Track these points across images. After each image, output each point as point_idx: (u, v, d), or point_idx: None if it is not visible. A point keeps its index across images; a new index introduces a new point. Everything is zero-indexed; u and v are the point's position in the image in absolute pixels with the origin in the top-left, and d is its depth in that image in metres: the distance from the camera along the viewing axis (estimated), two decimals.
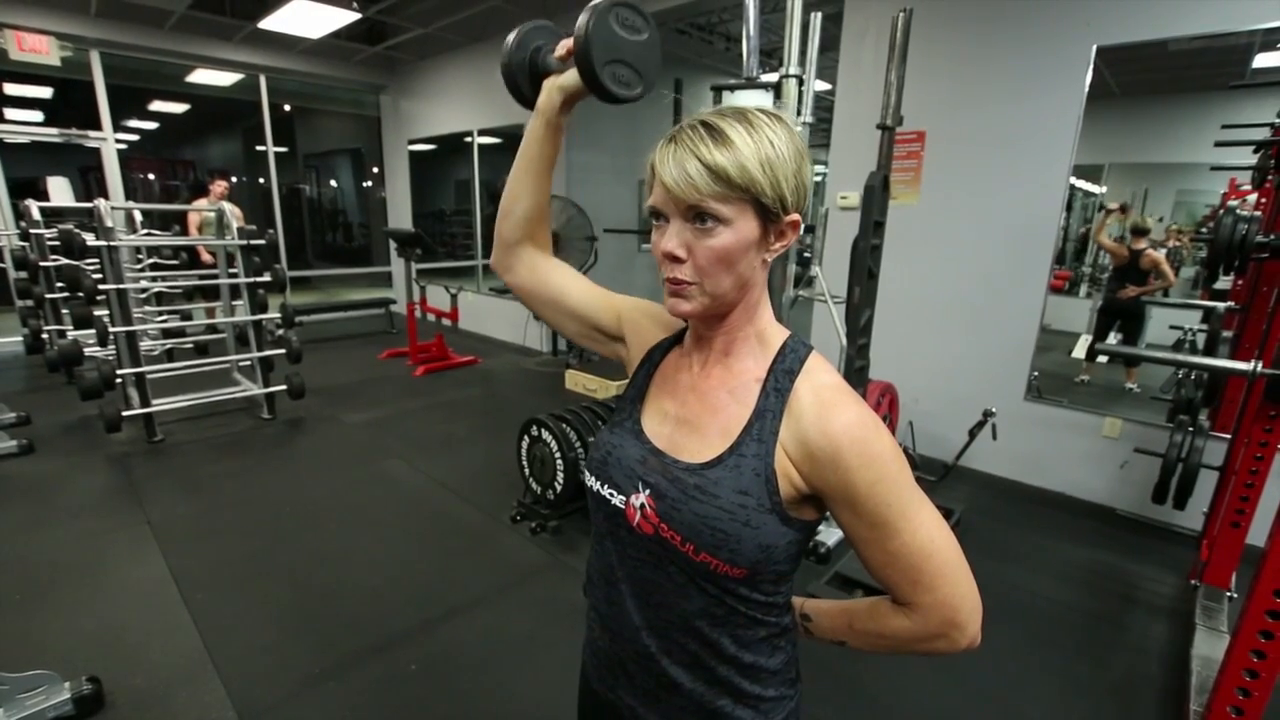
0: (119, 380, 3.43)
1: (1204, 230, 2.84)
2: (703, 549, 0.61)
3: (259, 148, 6.81)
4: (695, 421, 0.67)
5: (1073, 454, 3.16)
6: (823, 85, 4.91)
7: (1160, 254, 3.10)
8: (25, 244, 4.45)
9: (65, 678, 1.68)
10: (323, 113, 9.34)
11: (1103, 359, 3.23)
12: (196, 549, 2.52)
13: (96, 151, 5.80)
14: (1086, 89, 2.87)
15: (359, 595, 2.26)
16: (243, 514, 2.83)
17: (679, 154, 0.58)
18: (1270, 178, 2.38)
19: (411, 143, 7.29)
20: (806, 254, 3.11)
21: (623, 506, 0.67)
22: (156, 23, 5.52)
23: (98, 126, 5.70)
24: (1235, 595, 2.19)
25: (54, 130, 5.63)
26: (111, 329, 3.46)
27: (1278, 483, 2.01)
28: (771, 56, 5.02)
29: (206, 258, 5.82)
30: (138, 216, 5.00)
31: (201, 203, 5.56)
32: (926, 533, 0.60)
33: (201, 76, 6.70)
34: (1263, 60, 2.57)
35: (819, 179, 6.53)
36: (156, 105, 8.19)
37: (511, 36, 0.76)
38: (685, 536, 0.62)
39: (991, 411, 2.82)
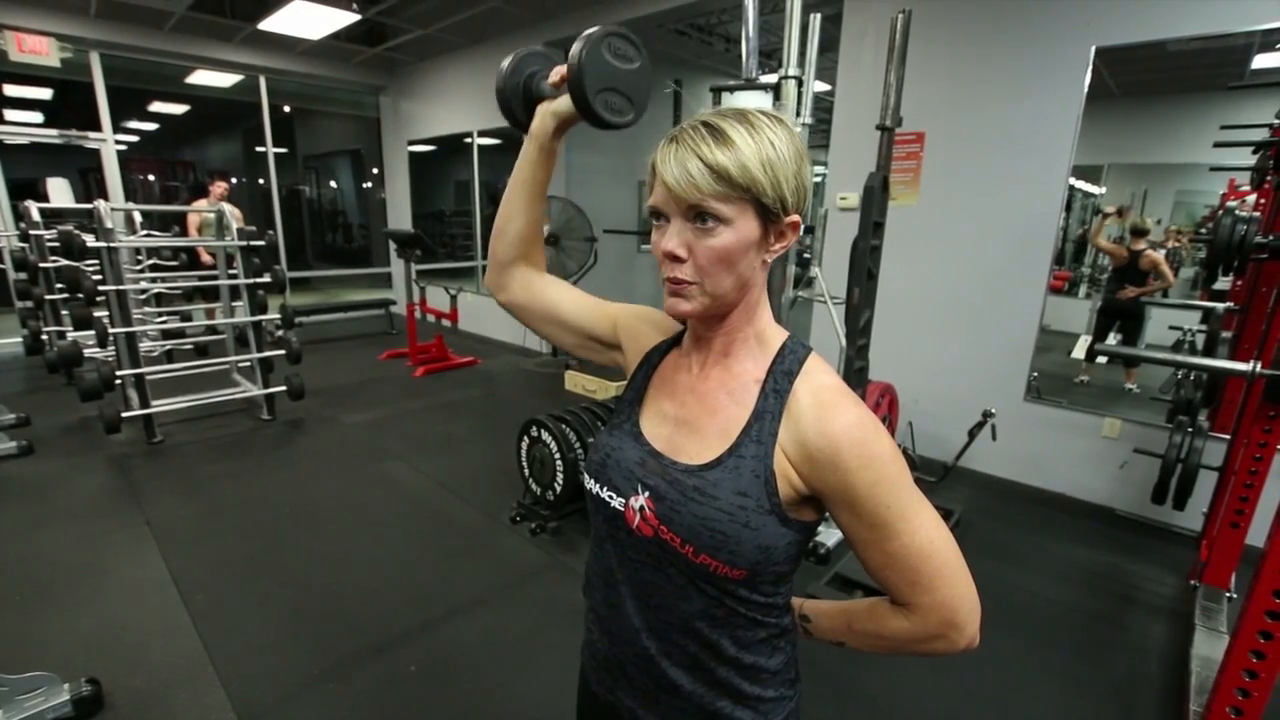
0: (118, 381, 3.42)
1: (1203, 231, 2.84)
2: (702, 550, 0.61)
3: (259, 149, 6.81)
4: (694, 423, 0.67)
5: (1072, 454, 3.16)
6: (822, 86, 4.91)
7: (1159, 255, 3.10)
8: (25, 245, 4.45)
9: (65, 679, 1.68)
10: (322, 114, 9.34)
11: (1102, 359, 3.23)
12: (196, 550, 2.52)
13: (96, 153, 5.80)
14: (1086, 90, 2.87)
15: (359, 596, 2.26)
16: (242, 515, 2.83)
17: (680, 153, 0.58)
18: (1269, 178, 2.38)
19: (411, 144, 7.30)
20: (806, 255, 3.11)
21: (622, 509, 0.67)
22: (156, 24, 5.51)
23: (97, 128, 5.70)
24: (1235, 595, 2.19)
25: (54, 131, 5.63)
26: (111, 330, 3.46)
27: (1277, 483, 2.01)
28: (771, 57, 5.03)
29: (206, 259, 5.82)
30: (137, 218, 5.00)
31: (201, 204, 5.57)
32: (925, 534, 0.60)
33: (201, 78, 6.70)
34: (1261, 61, 2.58)
35: (818, 180, 6.54)
36: (156, 106, 8.19)
37: (506, 61, 0.78)
38: (685, 538, 0.62)
39: (991, 412, 2.82)
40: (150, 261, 5.01)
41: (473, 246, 6.96)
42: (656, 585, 0.66)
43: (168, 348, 4.89)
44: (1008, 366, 3.27)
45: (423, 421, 4.15)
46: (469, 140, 6.38)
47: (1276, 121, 2.39)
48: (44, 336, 4.61)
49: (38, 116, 6.12)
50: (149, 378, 3.61)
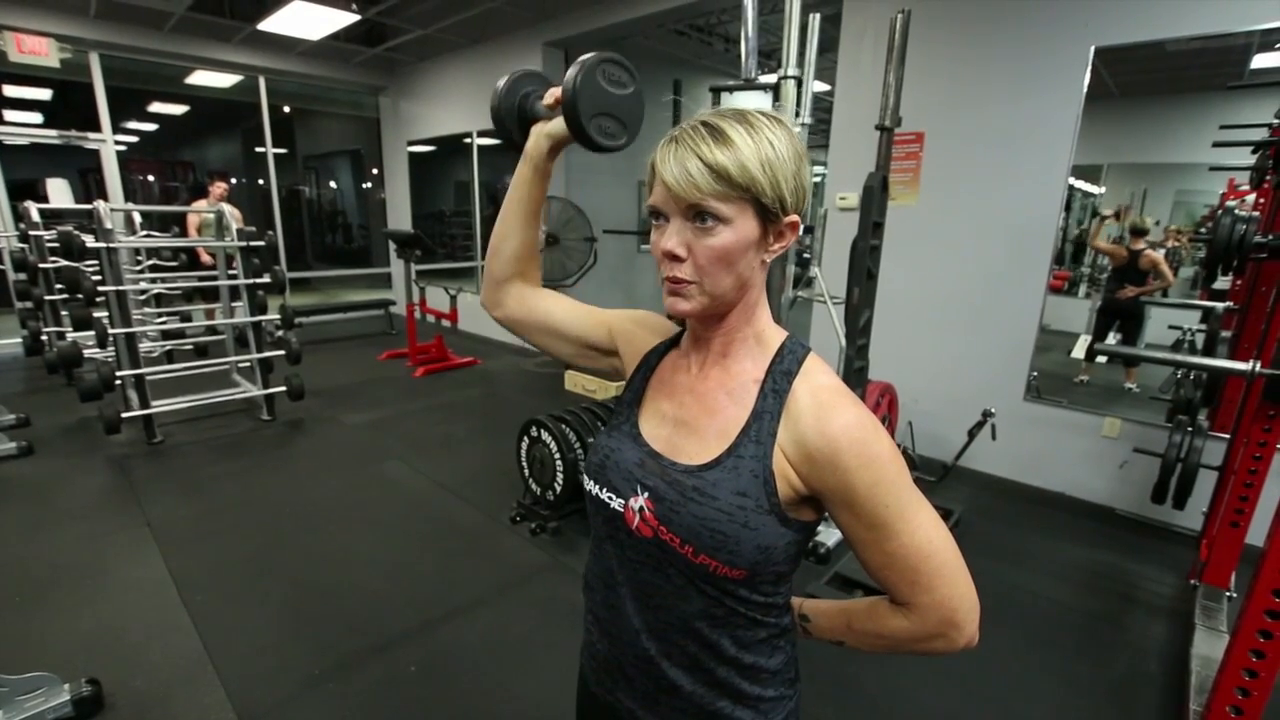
0: (118, 382, 3.42)
1: (1202, 230, 2.84)
2: (702, 551, 0.61)
3: (258, 149, 6.81)
4: (693, 423, 0.67)
5: (1072, 454, 3.16)
6: (821, 86, 4.92)
7: (1159, 254, 3.10)
8: (24, 246, 4.45)
9: (65, 679, 1.68)
10: (322, 114, 9.34)
11: (1102, 359, 3.23)
12: (196, 550, 2.52)
13: (96, 153, 5.80)
14: (1085, 90, 2.87)
15: (359, 596, 2.26)
16: (242, 515, 2.83)
17: (680, 153, 0.58)
18: (1268, 178, 2.38)
19: (411, 144, 7.29)
20: (805, 255, 3.11)
21: (621, 510, 0.67)
22: (156, 24, 5.51)
23: (97, 128, 5.70)
24: (1234, 595, 2.19)
25: (53, 132, 5.63)
26: (111, 330, 3.46)
27: (1277, 482, 2.01)
28: (770, 58, 5.02)
29: (206, 259, 5.81)
30: (137, 218, 4.99)
31: (201, 204, 5.57)
32: (925, 534, 0.60)
33: (201, 78, 6.69)
34: (1261, 61, 2.58)
35: (818, 180, 6.54)
36: (156, 107, 8.19)
37: (502, 82, 0.80)
38: (684, 538, 0.62)
39: (991, 412, 2.82)
40: (150, 262, 5.01)
41: (472, 247, 6.95)
42: (656, 586, 0.66)
43: (167, 348, 4.89)
44: (1007, 366, 3.28)
45: (422, 422, 4.15)
46: (469, 140, 6.38)
47: (1275, 121, 2.39)
48: (44, 337, 4.61)
49: (37, 117, 6.13)
50: (149, 378, 3.61)
